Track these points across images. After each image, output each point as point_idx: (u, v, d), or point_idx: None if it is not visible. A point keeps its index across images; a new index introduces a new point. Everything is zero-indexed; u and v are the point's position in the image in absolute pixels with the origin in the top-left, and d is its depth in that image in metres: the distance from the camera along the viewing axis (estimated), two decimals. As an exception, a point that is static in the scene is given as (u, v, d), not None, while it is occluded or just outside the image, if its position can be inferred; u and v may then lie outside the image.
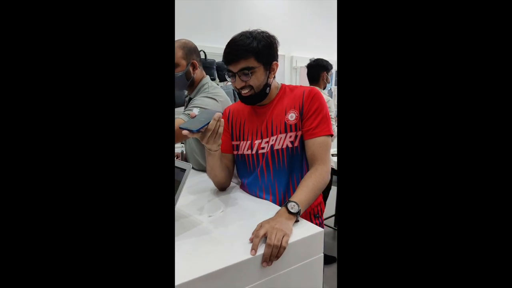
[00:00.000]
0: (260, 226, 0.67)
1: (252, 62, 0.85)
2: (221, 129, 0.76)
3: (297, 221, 0.74)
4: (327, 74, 2.16)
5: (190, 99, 1.25)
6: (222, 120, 0.76)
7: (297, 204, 0.74)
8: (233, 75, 0.88)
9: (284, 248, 0.64)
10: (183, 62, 1.19)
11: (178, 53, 1.18)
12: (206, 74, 1.30)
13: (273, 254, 0.62)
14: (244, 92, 0.89)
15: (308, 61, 2.22)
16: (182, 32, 2.69)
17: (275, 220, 0.69)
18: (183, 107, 1.43)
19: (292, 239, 0.67)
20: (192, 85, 1.24)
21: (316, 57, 2.21)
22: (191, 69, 1.21)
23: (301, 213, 0.75)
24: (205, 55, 2.33)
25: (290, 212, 0.73)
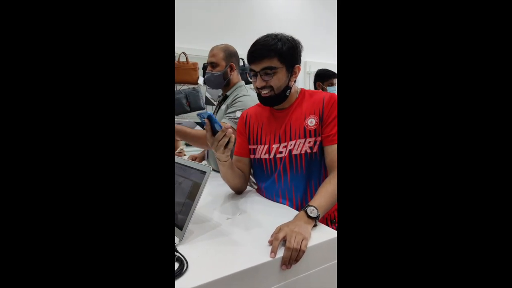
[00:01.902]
0: (279, 229, 0.68)
1: (275, 62, 0.87)
2: (230, 145, 0.78)
3: (315, 225, 0.74)
4: (322, 83, 2.27)
5: (226, 96, 1.39)
6: (233, 135, 0.77)
7: (316, 208, 0.74)
8: (255, 74, 0.89)
9: (304, 252, 0.64)
10: (223, 63, 1.35)
11: (220, 55, 1.34)
12: (243, 79, 1.46)
13: (293, 257, 0.63)
14: (264, 92, 0.90)
15: (321, 66, 2.26)
16: (194, 36, 2.74)
17: (294, 223, 0.70)
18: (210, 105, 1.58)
19: (311, 243, 0.67)
20: (228, 85, 1.39)
21: (329, 63, 2.26)
22: (228, 70, 1.36)
23: (320, 217, 0.75)
24: (244, 62, 2.45)
25: (309, 216, 0.73)
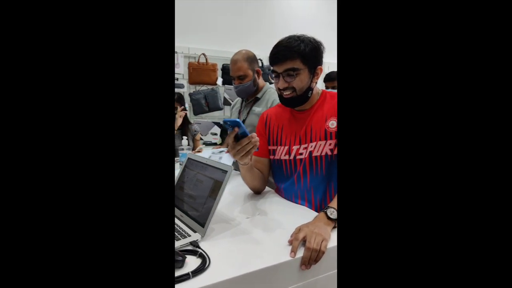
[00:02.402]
0: (299, 229, 0.68)
1: (297, 64, 0.87)
2: (252, 150, 0.78)
3: (335, 227, 0.74)
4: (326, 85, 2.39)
5: (257, 98, 1.47)
6: (257, 143, 0.77)
7: (336, 210, 0.74)
8: (277, 75, 0.90)
9: (323, 253, 0.64)
10: (250, 73, 1.41)
11: (244, 65, 1.39)
12: (264, 79, 1.58)
13: (312, 257, 0.63)
14: (286, 93, 0.91)
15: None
16: (201, 37, 2.76)
17: (314, 224, 0.70)
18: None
19: (331, 244, 0.67)
20: (257, 90, 1.47)
21: None
22: (256, 76, 1.43)
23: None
24: (262, 63, 2.49)
25: (329, 218, 0.73)
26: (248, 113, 1.47)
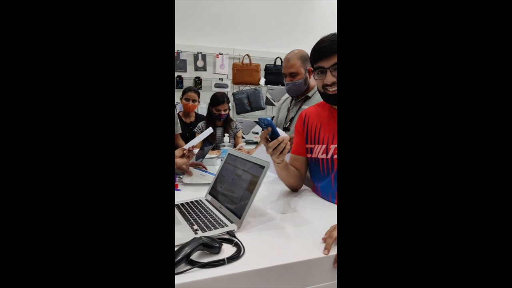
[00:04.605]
0: (334, 228, 0.68)
1: None
2: (285, 151, 0.82)
3: None
4: None
5: (308, 97, 1.46)
6: (288, 143, 0.81)
7: None
8: (323, 71, 0.89)
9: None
10: (302, 71, 1.42)
11: (297, 63, 1.42)
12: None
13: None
14: (332, 90, 0.90)
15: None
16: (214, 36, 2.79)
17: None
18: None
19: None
20: (307, 89, 1.47)
21: None
22: (308, 75, 1.44)
23: None
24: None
25: None
26: (297, 111, 1.47)
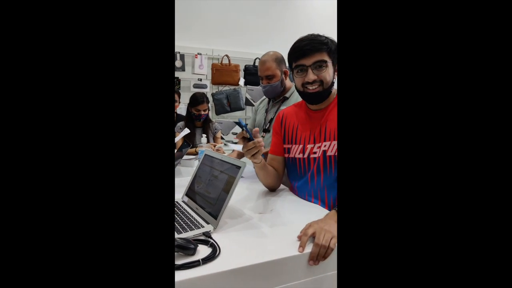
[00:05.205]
0: (309, 225, 0.69)
1: (325, 57, 0.89)
2: (257, 154, 0.86)
3: None
4: None
5: (285, 98, 1.48)
6: (262, 148, 0.85)
7: None
8: (303, 69, 0.90)
9: (332, 250, 0.65)
10: (278, 73, 1.44)
11: (273, 65, 1.43)
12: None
13: (321, 254, 0.64)
14: (313, 88, 0.91)
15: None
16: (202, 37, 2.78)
17: (324, 221, 0.71)
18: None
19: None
20: (284, 90, 1.49)
21: None
22: (283, 77, 1.46)
23: None
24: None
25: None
26: (275, 113, 1.49)
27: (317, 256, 0.64)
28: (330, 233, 0.66)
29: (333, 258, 0.65)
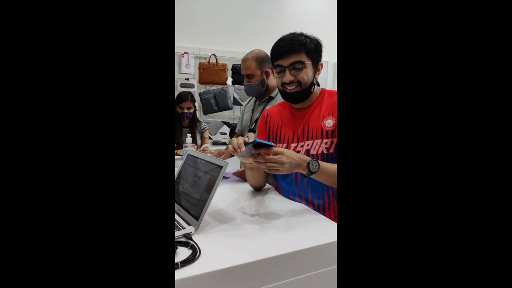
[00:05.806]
0: (282, 153, 0.77)
1: (303, 57, 0.88)
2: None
3: (305, 175, 0.83)
4: None
5: (271, 98, 1.45)
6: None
7: (319, 166, 0.82)
8: (282, 70, 0.90)
9: (276, 162, 0.76)
10: (258, 72, 1.41)
11: (253, 65, 1.40)
12: None
13: (267, 159, 0.76)
14: (291, 88, 0.91)
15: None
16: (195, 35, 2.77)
17: (294, 157, 0.79)
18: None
19: (326, 240, 0.67)
20: (267, 90, 1.45)
21: None
22: (265, 77, 1.42)
23: (312, 174, 0.83)
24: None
25: (308, 166, 0.81)
26: (261, 112, 1.47)
27: (263, 160, 0.76)
28: (288, 163, 0.76)
29: (320, 256, 0.65)
